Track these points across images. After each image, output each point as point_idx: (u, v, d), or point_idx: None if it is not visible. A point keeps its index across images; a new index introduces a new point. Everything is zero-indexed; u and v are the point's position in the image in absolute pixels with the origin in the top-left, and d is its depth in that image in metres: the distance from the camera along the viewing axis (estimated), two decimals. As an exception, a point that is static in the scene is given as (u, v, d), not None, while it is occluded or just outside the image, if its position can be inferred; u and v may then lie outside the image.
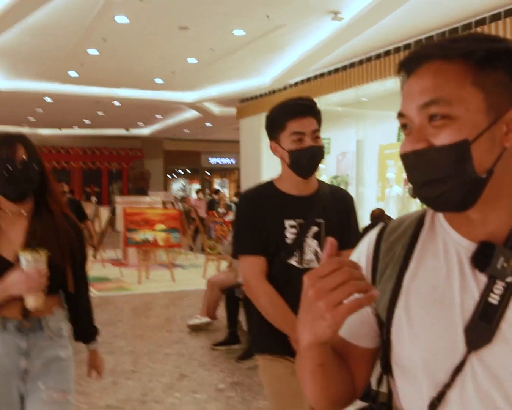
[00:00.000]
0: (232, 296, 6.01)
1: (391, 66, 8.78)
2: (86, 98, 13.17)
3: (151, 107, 15.08)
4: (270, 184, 2.42)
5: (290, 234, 2.30)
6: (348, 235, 2.37)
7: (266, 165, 11.58)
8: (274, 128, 2.34)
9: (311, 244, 2.32)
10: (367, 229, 5.15)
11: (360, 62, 9.43)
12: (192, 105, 14.02)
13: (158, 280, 10.02)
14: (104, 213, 13.49)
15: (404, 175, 9.32)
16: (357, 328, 1.09)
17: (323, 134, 2.38)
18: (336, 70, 10.01)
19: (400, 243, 1.06)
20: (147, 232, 10.15)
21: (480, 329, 0.92)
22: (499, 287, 0.93)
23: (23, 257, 2.00)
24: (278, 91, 11.40)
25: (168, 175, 26.22)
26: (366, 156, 10.78)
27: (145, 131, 21.08)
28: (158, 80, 11.73)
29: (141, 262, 10.07)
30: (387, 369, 1.07)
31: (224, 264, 8.73)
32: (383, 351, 1.07)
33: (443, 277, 0.98)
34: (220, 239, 7.80)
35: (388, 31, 7.93)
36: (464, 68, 0.92)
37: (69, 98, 13.10)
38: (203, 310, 6.69)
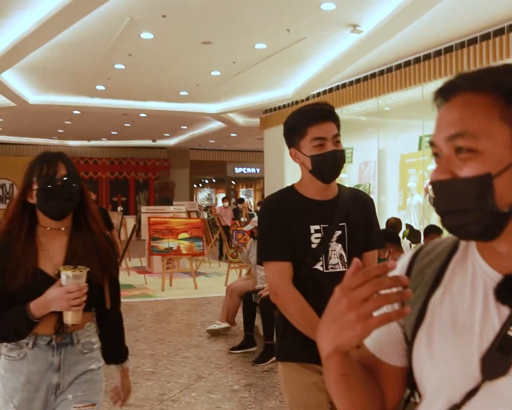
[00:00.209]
0: (249, 301, 6.16)
1: (411, 77, 8.88)
2: (113, 110, 13.53)
3: (176, 119, 15.36)
4: (292, 190, 2.39)
5: (315, 239, 2.29)
6: (371, 236, 2.39)
7: (290, 174, 11.71)
8: (294, 135, 2.30)
9: (335, 248, 2.30)
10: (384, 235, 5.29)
11: (381, 72, 9.54)
12: (217, 116, 14.26)
13: (181, 287, 10.24)
14: (130, 222, 13.79)
15: (425, 185, 9.42)
16: (386, 345, 1.10)
17: (346, 143, 2.42)
18: (358, 81, 10.14)
19: (432, 266, 1.06)
20: (171, 240, 10.41)
21: (497, 361, 0.92)
22: None
23: (64, 273, 2.00)
24: (300, 102, 11.55)
25: (194, 185, 26.52)
26: (388, 165, 10.86)
27: (171, 141, 21.40)
28: (183, 93, 11.99)
29: (165, 269, 10.33)
30: (413, 388, 1.09)
31: (245, 272, 8.88)
32: (409, 369, 1.08)
33: (467, 304, 0.98)
34: (239, 247, 7.96)
35: (407, 42, 8.04)
36: (492, 101, 0.92)
37: (96, 111, 13.47)
38: (223, 316, 6.86)
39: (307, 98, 11.38)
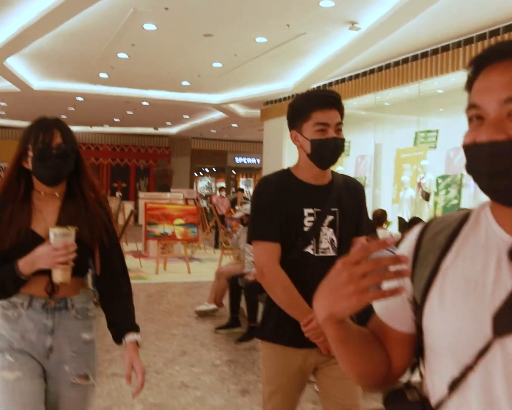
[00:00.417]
0: (235, 284, 6.47)
1: (408, 74, 9.04)
2: (116, 98, 13.70)
3: (178, 108, 15.53)
4: (287, 172, 2.40)
5: (307, 222, 2.30)
6: (361, 223, 2.44)
7: (288, 166, 11.90)
8: (297, 117, 2.32)
9: (326, 233, 2.32)
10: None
11: (380, 68, 9.71)
12: (218, 107, 14.42)
13: (174, 271, 10.53)
14: (128, 207, 14.03)
15: (418, 179, 9.62)
16: (394, 311, 1.14)
17: (344, 136, 2.42)
18: (356, 76, 10.31)
19: (443, 233, 1.10)
20: (166, 226, 10.71)
21: (508, 318, 0.95)
22: None
23: (52, 232, 2.02)
24: (300, 95, 11.73)
25: (195, 173, 26.69)
26: (384, 159, 11.05)
27: (172, 130, 21.59)
28: (185, 83, 12.16)
29: (160, 254, 10.60)
30: (419, 354, 1.12)
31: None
32: (417, 335, 1.11)
33: (480, 265, 1.01)
34: (229, 233, 8.24)
35: (405, 40, 8.21)
36: None
37: (99, 98, 13.64)
38: (211, 298, 7.18)
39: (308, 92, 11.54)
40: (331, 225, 2.33)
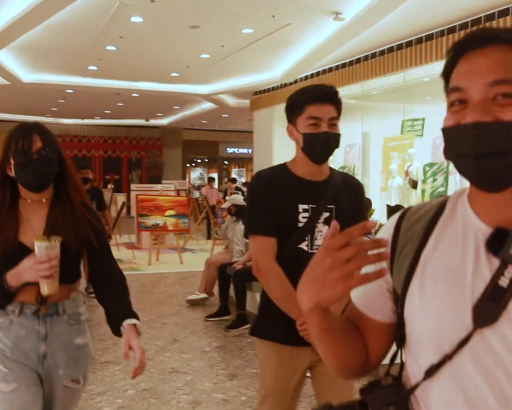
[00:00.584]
0: (224, 273, 6.63)
1: (393, 63, 9.15)
2: (105, 90, 13.74)
3: (168, 99, 15.58)
4: (283, 167, 2.40)
5: (302, 218, 2.29)
6: (358, 222, 2.49)
7: (278, 156, 12.01)
8: (292, 111, 2.33)
9: (322, 229, 2.30)
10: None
11: (366, 58, 9.81)
12: (207, 97, 14.49)
13: (167, 262, 10.71)
14: (121, 199, 14.18)
15: (406, 167, 9.76)
16: (373, 301, 1.14)
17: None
18: (343, 65, 10.40)
19: (420, 223, 1.09)
20: (157, 217, 10.91)
21: (488, 309, 0.96)
22: (510, 271, 0.96)
23: (36, 244, 1.99)
24: (289, 85, 11.83)
25: (187, 164, 26.75)
26: (372, 148, 11.18)
27: (164, 121, 21.62)
28: (174, 74, 12.22)
29: (152, 245, 10.76)
30: (400, 343, 1.12)
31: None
32: (398, 325, 1.11)
33: (459, 256, 1.02)
34: (217, 223, 8.39)
35: (391, 30, 8.30)
36: None
37: (89, 90, 13.68)
38: (201, 287, 7.35)
39: (295, 81, 11.64)
40: (326, 221, 2.31)
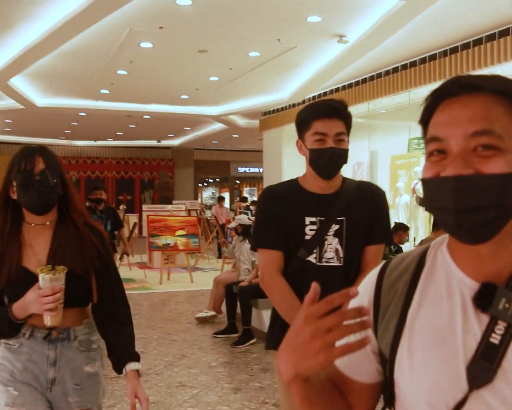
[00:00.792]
0: (231, 292, 6.80)
1: (399, 82, 9.31)
2: (117, 113, 14.06)
3: (179, 120, 15.85)
4: (293, 182, 2.41)
5: (309, 230, 2.28)
6: (376, 230, 2.35)
7: (287, 174, 12.17)
8: (301, 126, 2.35)
9: (332, 242, 2.28)
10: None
11: (371, 78, 9.99)
12: (218, 118, 14.73)
13: (178, 281, 10.90)
14: (133, 219, 14.44)
15: (413, 185, 9.87)
16: (357, 364, 1.10)
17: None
18: (350, 86, 10.59)
19: (402, 280, 1.05)
20: (168, 237, 11.13)
21: (482, 368, 0.92)
22: (500, 327, 0.93)
23: (40, 276, 1.97)
24: (297, 105, 12.03)
25: (199, 184, 26.98)
26: (380, 166, 11.30)
27: (175, 142, 21.90)
28: (184, 96, 12.48)
29: (163, 264, 10.97)
30: (390, 404, 1.08)
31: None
32: (387, 386, 1.07)
33: (446, 313, 0.98)
34: (225, 243, 8.55)
35: (395, 50, 8.47)
36: (511, 106, 0.93)
37: (101, 113, 14.00)
38: (210, 305, 7.53)
39: (303, 101, 11.82)
40: (336, 234, 2.29)
